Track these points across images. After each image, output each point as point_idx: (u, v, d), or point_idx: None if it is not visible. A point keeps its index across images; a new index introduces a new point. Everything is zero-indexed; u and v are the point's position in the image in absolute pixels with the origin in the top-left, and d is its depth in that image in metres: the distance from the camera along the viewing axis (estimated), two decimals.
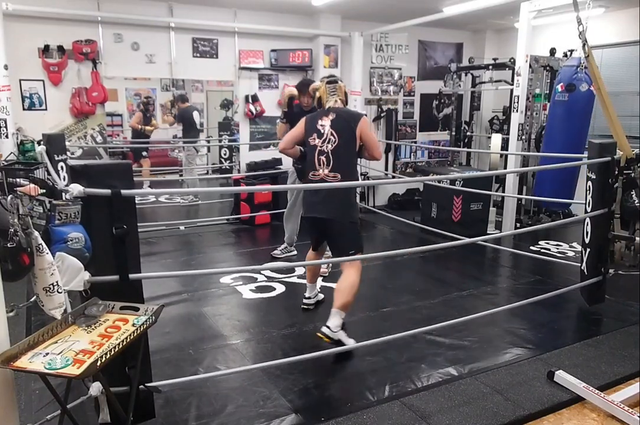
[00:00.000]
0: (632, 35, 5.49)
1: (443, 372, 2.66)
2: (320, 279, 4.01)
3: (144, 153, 6.80)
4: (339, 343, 2.77)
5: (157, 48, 5.68)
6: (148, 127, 6.77)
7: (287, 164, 5.51)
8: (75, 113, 5.38)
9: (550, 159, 4.97)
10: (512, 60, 5.73)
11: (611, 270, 3.40)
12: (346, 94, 3.12)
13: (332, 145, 2.94)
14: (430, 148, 7.64)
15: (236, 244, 5.39)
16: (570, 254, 4.76)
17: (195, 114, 6.97)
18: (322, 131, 2.97)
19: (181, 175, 7.39)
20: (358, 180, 3.10)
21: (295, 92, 4.02)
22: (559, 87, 4.98)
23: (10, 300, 1.79)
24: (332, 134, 2.95)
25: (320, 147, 2.96)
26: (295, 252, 4.67)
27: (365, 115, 3.04)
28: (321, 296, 3.62)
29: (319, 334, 2.80)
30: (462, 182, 5.22)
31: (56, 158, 3.89)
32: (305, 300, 3.50)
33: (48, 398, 2.25)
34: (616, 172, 3.25)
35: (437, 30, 7.19)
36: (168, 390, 2.37)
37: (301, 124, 3.10)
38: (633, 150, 3.34)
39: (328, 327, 2.79)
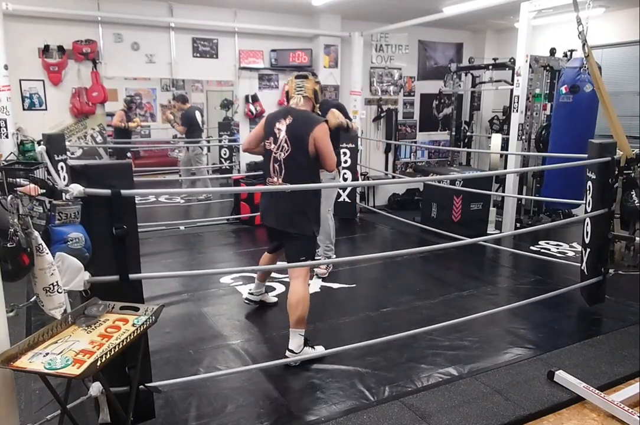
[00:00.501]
0: (632, 35, 5.50)
1: (443, 372, 2.66)
2: (320, 280, 4.03)
3: (128, 154, 6.70)
4: (309, 358, 2.74)
5: (157, 48, 5.68)
6: (131, 123, 6.68)
7: None
8: (75, 113, 5.39)
9: (556, 159, 4.95)
10: (512, 60, 5.73)
11: (611, 270, 3.40)
12: (316, 91, 2.89)
13: (284, 154, 2.78)
14: (430, 148, 7.65)
15: (236, 244, 5.39)
16: (570, 254, 4.76)
17: (197, 114, 6.96)
18: (277, 136, 2.81)
19: (180, 175, 7.38)
20: (313, 194, 2.86)
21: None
22: (563, 89, 4.97)
23: (10, 300, 1.79)
24: (285, 141, 2.77)
25: (275, 153, 2.82)
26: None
27: (326, 121, 2.85)
28: (273, 299, 3.59)
29: (285, 360, 2.72)
30: (462, 182, 5.21)
31: (56, 158, 3.89)
32: (247, 295, 3.50)
33: (48, 398, 2.25)
34: (616, 172, 3.25)
35: (437, 30, 7.19)
36: (168, 390, 2.37)
37: (262, 123, 2.93)
38: (633, 150, 3.34)
39: (291, 351, 2.73)
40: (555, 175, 5.28)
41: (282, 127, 2.80)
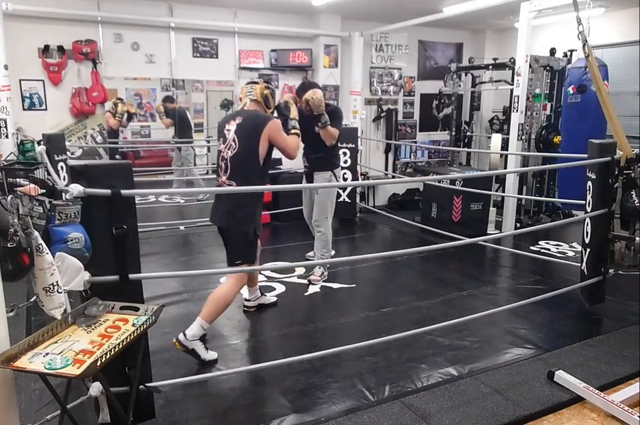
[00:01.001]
0: (633, 35, 5.50)
1: (443, 372, 2.66)
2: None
3: (117, 156, 6.58)
4: (194, 353, 2.72)
5: (157, 48, 5.68)
6: (123, 111, 6.50)
7: (287, 164, 5.51)
8: (75, 113, 5.39)
9: (565, 160, 4.91)
10: (512, 60, 5.73)
11: (611, 270, 3.39)
12: (266, 95, 2.95)
13: (231, 152, 2.84)
14: (430, 148, 7.64)
15: None
16: (570, 254, 4.76)
17: (187, 114, 6.90)
18: (227, 136, 2.88)
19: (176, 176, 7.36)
20: (253, 193, 2.87)
21: (287, 99, 3.79)
22: (570, 90, 4.96)
23: (10, 300, 1.79)
24: (234, 140, 2.84)
25: (223, 152, 2.89)
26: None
27: (276, 117, 2.94)
28: (272, 299, 3.59)
29: (174, 341, 2.73)
30: (462, 182, 5.21)
31: (56, 158, 3.89)
32: (245, 303, 3.50)
33: (48, 398, 2.25)
34: (616, 172, 3.25)
35: (437, 30, 7.19)
36: (168, 390, 2.37)
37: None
38: (633, 150, 3.34)
39: (184, 334, 2.72)
40: (573, 176, 5.20)
41: (231, 127, 2.88)
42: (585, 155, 3.37)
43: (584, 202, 3.46)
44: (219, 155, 2.93)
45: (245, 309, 3.49)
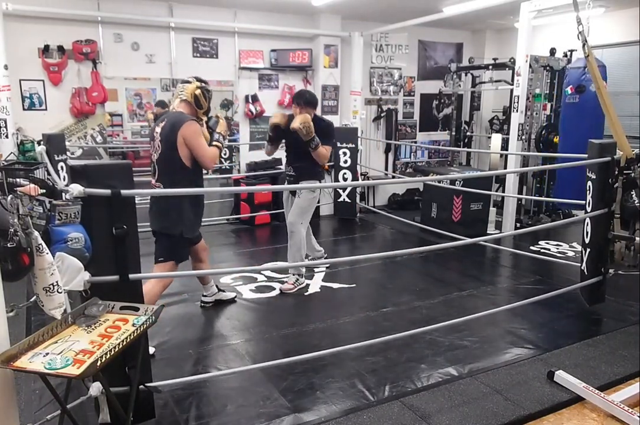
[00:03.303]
0: (633, 35, 5.49)
1: (443, 372, 2.66)
2: (320, 279, 3.99)
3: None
4: None
5: (157, 48, 5.67)
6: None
7: None
8: (75, 113, 5.38)
9: (563, 160, 4.92)
10: (512, 60, 5.73)
11: (611, 270, 3.39)
12: (196, 95, 2.94)
13: (157, 155, 2.90)
14: (430, 148, 7.64)
15: (236, 244, 5.39)
16: (570, 254, 4.76)
17: None
18: (155, 139, 2.92)
19: None
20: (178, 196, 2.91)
21: (278, 121, 3.76)
22: (569, 90, 4.96)
23: (10, 300, 1.79)
24: (159, 143, 2.87)
25: (152, 155, 2.95)
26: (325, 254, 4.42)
27: (194, 119, 2.86)
28: (230, 295, 3.63)
29: None
30: (462, 182, 5.21)
31: (56, 158, 3.90)
32: (202, 298, 3.55)
33: (48, 398, 2.25)
34: (616, 172, 3.25)
35: (437, 30, 7.18)
36: (168, 390, 2.37)
37: None
38: (633, 150, 3.34)
39: None
40: (567, 175, 5.21)
41: (158, 130, 2.91)
42: (584, 155, 3.37)
43: (581, 201, 3.46)
44: (151, 158, 2.97)
45: (203, 304, 3.54)
